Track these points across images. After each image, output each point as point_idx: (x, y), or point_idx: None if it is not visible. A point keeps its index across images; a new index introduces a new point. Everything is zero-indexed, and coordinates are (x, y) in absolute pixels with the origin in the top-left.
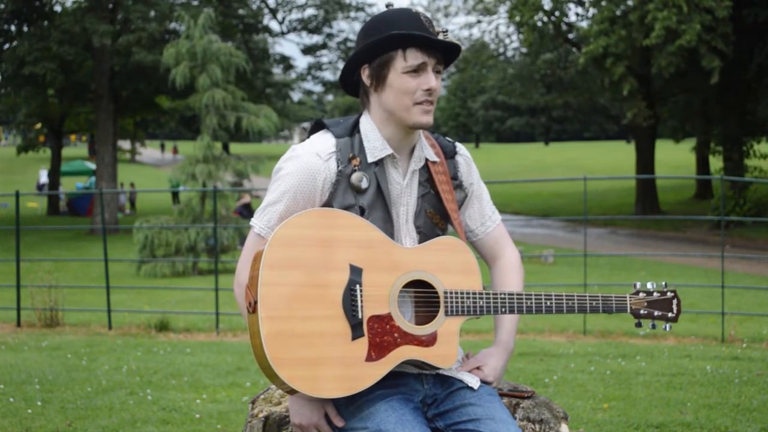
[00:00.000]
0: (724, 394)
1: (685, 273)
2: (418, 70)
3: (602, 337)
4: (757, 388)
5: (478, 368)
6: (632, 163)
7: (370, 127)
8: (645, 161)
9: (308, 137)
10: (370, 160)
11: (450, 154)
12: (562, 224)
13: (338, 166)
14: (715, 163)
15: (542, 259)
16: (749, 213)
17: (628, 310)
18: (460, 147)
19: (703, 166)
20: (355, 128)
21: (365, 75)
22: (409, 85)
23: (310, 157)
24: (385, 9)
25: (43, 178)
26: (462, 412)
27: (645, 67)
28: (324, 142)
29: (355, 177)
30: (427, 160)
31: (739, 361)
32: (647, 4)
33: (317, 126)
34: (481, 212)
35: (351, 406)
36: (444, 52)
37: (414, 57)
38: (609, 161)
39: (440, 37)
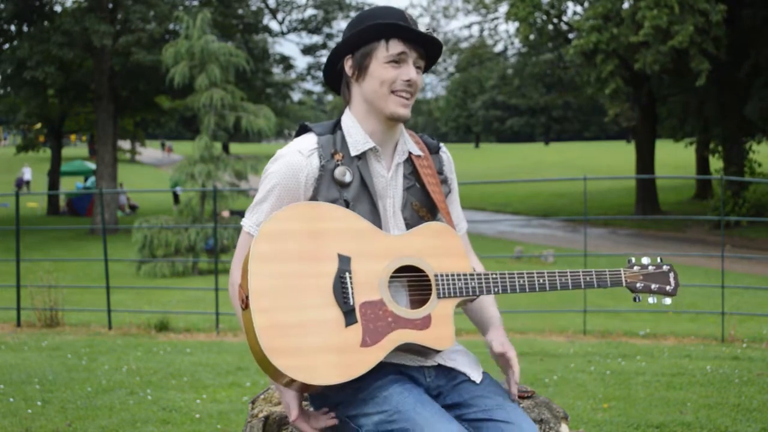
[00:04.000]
0: (724, 394)
1: (685, 273)
2: (399, 60)
3: (602, 337)
4: (757, 388)
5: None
6: (632, 163)
7: (351, 123)
8: (645, 161)
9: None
10: (353, 153)
11: (434, 150)
12: (562, 224)
13: (320, 162)
14: (716, 163)
15: (542, 259)
16: (748, 213)
17: (624, 284)
18: (443, 146)
19: (703, 166)
20: (336, 126)
21: (348, 65)
22: (390, 74)
23: (293, 155)
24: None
25: (27, 175)
26: (472, 405)
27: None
28: (306, 141)
29: (338, 171)
30: (410, 153)
31: (739, 361)
32: (639, 1)
33: (301, 129)
34: (454, 214)
35: (361, 393)
36: (426, 49)
37: (396, 47)
38: (609, 161)
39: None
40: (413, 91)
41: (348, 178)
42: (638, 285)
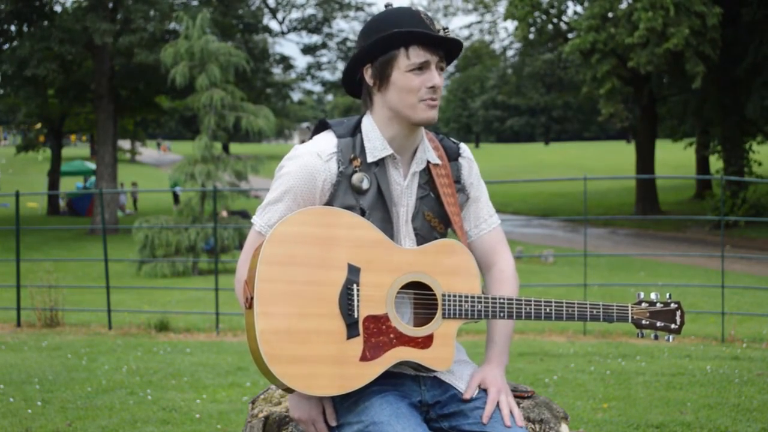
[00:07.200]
0: (724, 394)
1: (685, 273)
2: (421, 67)
3: (602, 337)
4: (757, 388)
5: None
6: (632, 163)
7: (371, 127)
8: (645, 161)
9: (312, 137)
10: (369, 160)
11: (453, 156)
12: (562, 224)
13: (339, 167)
14: (716, 163)
15: (542, 259)
16: (748, 213)
17: (630, 320)
18: (464, 149)
19: (703, 166)
20: (357, 128)
21: (368, 75)
22: (413, 83)
23: (311, 157)
24: (384, 9)
25: None
26: (468, 416)
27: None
28: (326, 143)
29: (356, 178)
30: (428, 162)
31: (739, 361)
32: (636, 2)
33: (321, 126)
34: (476, 214)
35: (346, 402)
36: (446, 50)
37: (417, 55)
38: (609, 161)
39: (441, 34)
40: (437, 95)
41: (366, 185)
42: (644, 321)
